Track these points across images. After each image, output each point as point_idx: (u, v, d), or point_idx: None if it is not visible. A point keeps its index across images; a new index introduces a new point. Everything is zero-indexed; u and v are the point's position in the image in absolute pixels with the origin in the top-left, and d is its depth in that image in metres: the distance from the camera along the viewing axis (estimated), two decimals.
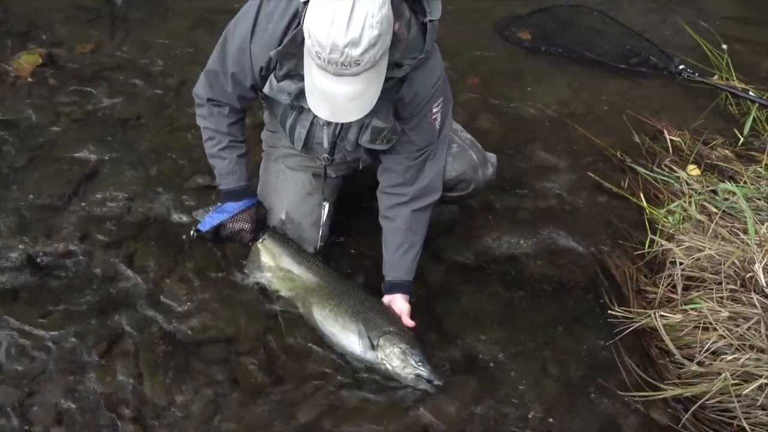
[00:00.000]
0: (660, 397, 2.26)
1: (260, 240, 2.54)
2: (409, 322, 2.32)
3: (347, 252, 2.69)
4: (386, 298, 2.40)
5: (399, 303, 2.37)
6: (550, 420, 2.24)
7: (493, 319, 2.53)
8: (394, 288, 2.39)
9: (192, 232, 2.58)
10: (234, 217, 2.51)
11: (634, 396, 2.29)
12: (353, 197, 2.73)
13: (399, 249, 2.39)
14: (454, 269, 2.70)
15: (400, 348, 2.23)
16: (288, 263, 2.50)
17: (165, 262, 2.61)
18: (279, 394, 2.26)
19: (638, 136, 3.28)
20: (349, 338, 2.30)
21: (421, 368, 2.22)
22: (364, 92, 1.95)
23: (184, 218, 2.77)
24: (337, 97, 1.94)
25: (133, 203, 2.82)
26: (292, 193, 2.57)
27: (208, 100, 2.35)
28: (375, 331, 2.27)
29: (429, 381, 2.22)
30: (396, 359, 2.23)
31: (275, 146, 2.61)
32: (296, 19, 2.07)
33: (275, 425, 2.19)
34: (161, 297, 2.51)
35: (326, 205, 2.56)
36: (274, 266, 2.51)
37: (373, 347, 2.25)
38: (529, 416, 2.25)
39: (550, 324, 2.52)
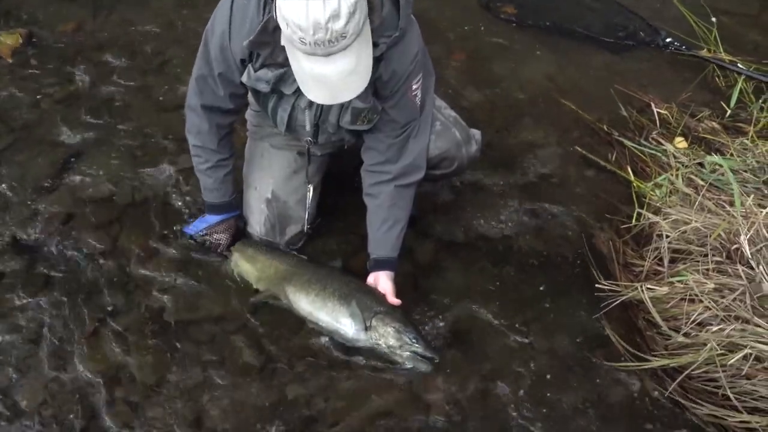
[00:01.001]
0: (647, 367, 2.28)
1: (234, 247, 2.56)
2: (395, 301, 2.32)
3: (335, 231, 2.69)
4: (371, 277, 2.39)
5: (383, 282, 2.36)
6: (539, 393, 2.26)
7: (481, 294, 2.53)
8: (379, 265, 2.38)
9: (176, 229, 2.62)
10: (212, 227, 2.54)
11: (622, 367, 2.31)
12: (340, 176, 2.72)
13: (383, 225, 2.38)
14: (442, 246, 2.70)
15: (394, 327, 2.23)
16: (263, 259, 2.50)
17: (151, 243, 2.61)
18: (269, 373, 2.26)
19: (625, 110, 3.27)
20: (341, 321, 2.29)
21: (417, 345, 2.22)
22: (357, 64, 1.94)
23: (171, 199, 2.76)
24: (331, 78, 1.93)
25: (118, 185, 2.81)
26: (278, 171, 2.56)
27: (202, 107, 2.32)
28: (366, 312, 2.26)
29: (424, 357, 2.22)
30: (391, 338, 2.23)
31: (260, 125, 2.60)
32: (266, 7, 2.05)
33: (265, 404, 2.19)
34: (149, 278, 2.51)
35: (311, 188, 2.56)
36: (251, 269, 2.51)
37: (366, 328, 2.24)
38: (518, 389, 2.27)
39: (538, 298, 2.53)
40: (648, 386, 2.28)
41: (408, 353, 2.23)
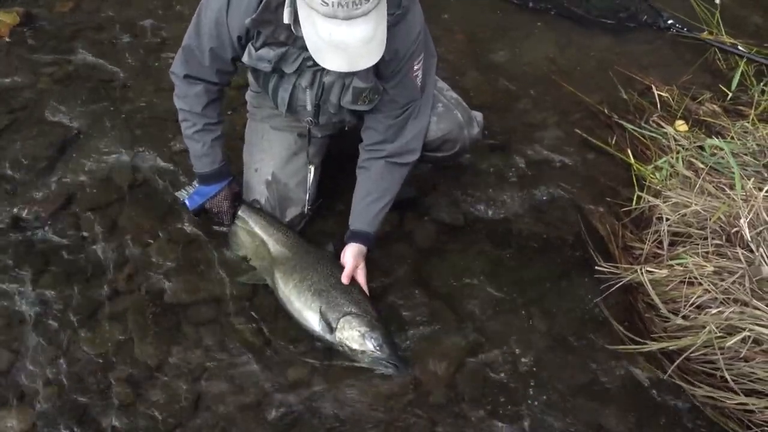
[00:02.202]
0: (646, 350, 2.28)
1: (237, 218, 2.53)
2: (343, 279, 2.26)
3: (335, 212, 2.66)
4: (344, 251, 2.35)
5: (347, 255, 2.31)
6: (539, 375, 2.26)
7: (481, 277, 2.52)
8: (353, 237, 2.35)
9: (180, 201, 2.58)
10: (211, 200, 2.50)
11: (621, 349, 2.30)
12: (341, 157, 2.68)
13: (366, 197, 2.35)
14: (441, 228, 2.68)
15: (359, 331, 2.18)
16: (261, 237, 2.47)
17: (152, 225, 2.58)
18: (268, 354, 2.25)
19: (626, 92, 3.25)
20: (310, 318, 2.25)
21: (379, 352, 2.17)
22: (375, 34, 1.92)
23: (170, 180, 2.73)
24: (349, 44, 1.90)
25: (118, 165, 2.77)
26: (278, 153, 2.54)
27: (185, 77, 2.30)
28: (335, 312, 2.22)
29: (387, 364, 2.18)
30: (354, 342, 2.18)
31: (260, 107, 2.57)
32: None
33: (265, 385, 2.18)
34: (149, 259, 2.48)
35: (311, 169, 2.53)
36: (250, 243, 2.49)
37: (331, 329, 2.21)
38: (518, 371, 2.26)
39: (538, 281, 2.52)
40: (647, 369, 2.28)
41: (369, 359, 2.18)
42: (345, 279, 2.28)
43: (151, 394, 2.15)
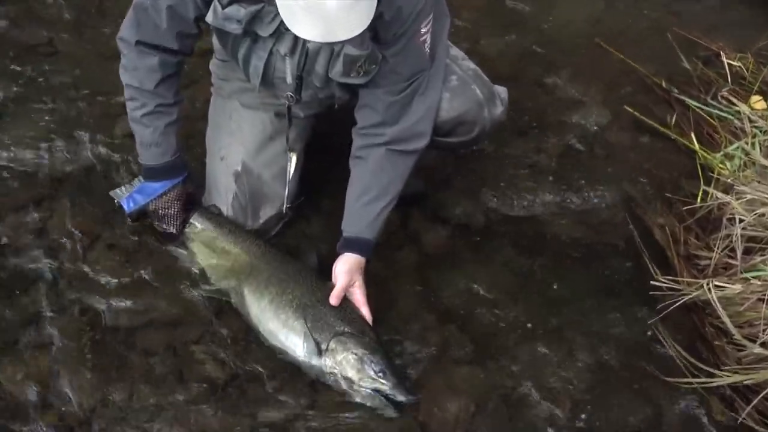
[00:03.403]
0: (715, 385, 2.27)
1: (188, 225, 2.53)
2: (332, 300, 2.25)
3: (321, 212, 2.67)
4: (336, 263, 2.34)
5: (339, 268, 2.31)
6: (581, 416, 2.25)
7: (506, 294, 2.52)
8: (348, 245, 2.34)
9: (116, 203, 2.57)
10: (156, 200, 2.50)
11: (683, 384, 2.29)
12: (329, 143, 2.67)
13: (363, 196, 2.35)
14: (456, 232, 2.68)
15: (356, 354, 2.17)
16: (221, 246, 2.48)
17: (90, 227, 2.57)
18: (237, 391, 2.24)
19: (688, 61, 3.26)
20: (290, 339, 2.25)
21: (382, 380, 2.15)
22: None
23: (113, 173, 2.73)
24: (329, 8, 1.90)
25: (48, 153, 2.77)
26: (250, 137, 2.54)
27: (137, 43, 2.30)
28: (324, 331, 2.22)
29: (391, 397, 2.16)
30: (350, 368, 2.17)
31: (227, 79, 2.57)
32: None
33: (232, 430, 2.16)
34: (86, 271, 2.47)
35: (292, 157, 2.54)
36: (207, 254, 2.49)
37: (320, 352, 2.20)
38: (554, 413, 2.25)
39: (578, 298, 2.53)
40: (715, 408, 2.27)
41: (369, 390, 2.17)
42: (334, 300, 2.27)
43: None
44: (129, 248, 2.54)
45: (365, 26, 1.97)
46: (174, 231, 2.54)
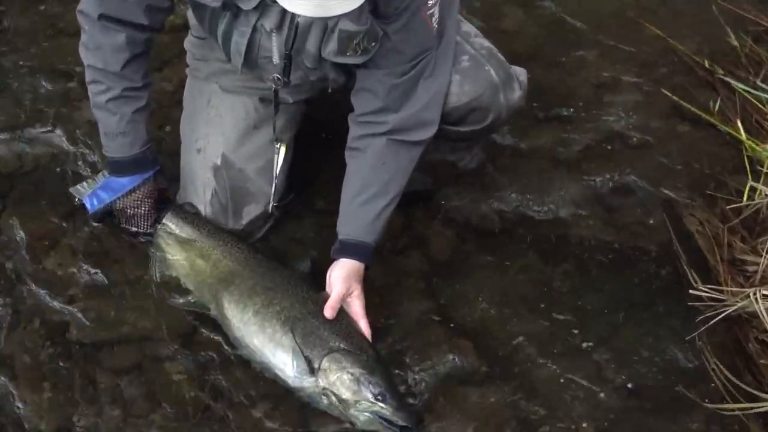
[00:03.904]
0: (762, 410, 2.28)
1: (160, 224, 2.57)
2: (327, 313, 2.28)
3: (312, 212, 2.71)
4: (331, 270, 2.37)
5: (334, 275, 2.34)
6: None
7: (524, 306, 2.54)
8: (344, 250, 2.37)
9: (77, 201, 2.61)
10: (123, 198, 2.53)
11: (726, 409, 2.30)
12: (322, 132, 2.76)
13: (361, 193, 2.38)
14: (466, 234, 2.71)
15: (352, 374, 2.20)
16: (198, 249, 2.52)
17: (48, 229, 2.61)
18: (218, 416, 2.27)
19: (735, 37, 3.27)
20: (278, 356, 2.28)
21: (381, 404, 2.18)
22: None
23: (75, 167, 2.77)
24: None
25: None
26: (231, 126, 2.56)
27: (100, 17, 2.32)
28: (317, 347, 2.24)
29: (392, 422, 2.18)
30: (345, 389, 2.19)
31: (206, 59, 2.59)
32: None
33: None
34: (45, 279, 2.51)
35: (280, 147, 2.56)
36: (182, 259, 2.52)
37: (311, 370, 2.22)
38: None
39: (607, 310, 2.54)
40: None
41: (367, 414, 2.19)
42: (329, 311, 2.30)
43: None
44: (93, 253, 2.57)
45: (359, 3, 1.98)
46: (143, 230, 2.57)
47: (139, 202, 2.54)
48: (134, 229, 2.58)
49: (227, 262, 2.47)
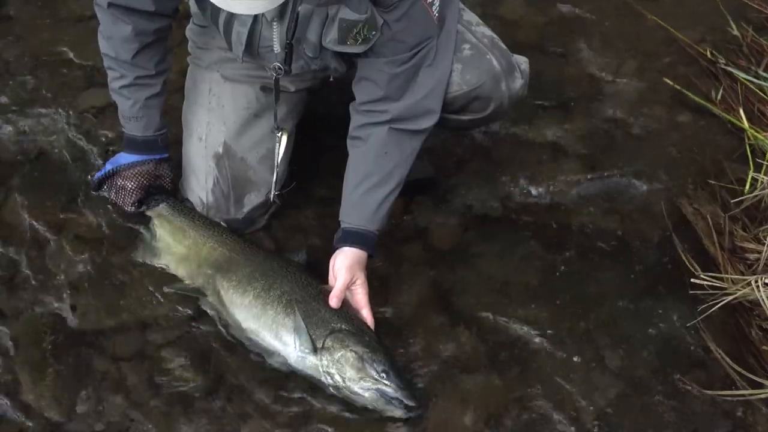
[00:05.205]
0: (763, 396, 2.29)
1: (152, 206, 2.60)
2: (331, 301, 2.29)
3: (313, 201, 2.71)
4: (333, 259, 2.37)
5: (338, 263, 2.34)
6: (610, 429, 2.27)
7: (526, 293, 2.55)
8: (347, 238, 2.37)
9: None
10: (120, 171, 2.57)
11: (727, 396, 2.31)
12: (324, 121, 2.73)
13: (364, 182, 2.38)
14: (469, 222, 2.72)
15: (356, 352, 2.21)
16: (196, 234, 2.53)
17: (51, 217, 2.62)
18: (219, 402, 2.27)
19: (737, 27, 3.27)
20: (281, 336, 2.29)
21: (386, 381, 2.19)
22: None
23: (80, 151, 2.78)
24: None
25: (1, 131, 2.82)
26: (232, 115, 2.57)
27: (109, 5, 2.34)
28: (319, 327, 2.26)
29: (395, 401, 2.19)
30: (349, 367, 2.21)
31: (207, 47, 2.60)
32: None
33: None
34: (46, 266, 2.51)
35: (282, 136, 2.56)
36: (174, 242, 2.54)
37: (315, 350, 2.24)
38: (581, 426, 2.28)
39: (608, 298, 2.55)
40: (763, 424, 2.29)
41: (373, 391, 2.20)
42: (334, 301, 2.31)
43: None
44: (95, 241, 2.58)
45: (271, 6, 2.01)
46: (126, 208, 2.60)
47: (131, 177, 2.57)
48: (119, 202, 2.61)
49: (223, 250, 2.49)
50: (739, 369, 2.35)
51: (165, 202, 2.61)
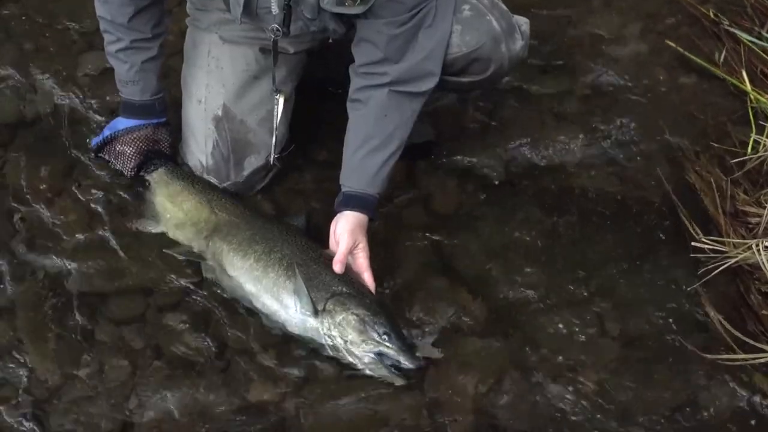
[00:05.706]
0: (763, 361, 2.29)
1: (151, 171, 2.60)
2: (335, 266, 2.28)
3: (314, 164, 2.70)
4: (334, 223, 2.37)
5: (340, 227, 2.34)
6: (608, 396, 2.28)
7: (527, 257, 2.55)
8: (348, 202, 2.37)
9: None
10: (118, 136, 2.58)
11: (727, 360, 2.31)
12: (323, 83, 2.72)
13: (364, 145, 2.38)
14: (470, 186, 2.71)
15: (357, 315, 2.22)
16: (195, 198, 2.54)
17: (51, 180, 2.62)
18: (221, 365, 2.28)
19: None
20: (282, 299, 2.30)
21: (387, 343, 2.20)
22: None
23: (79, 115, 2.77)
24: None
25: (1, 95, 2.81)
26: (231, 77, 2.56)
27: None
28: (321, 290, 2.26)
29: (396, 363, 2.21)
30: (351, 329, 2.22)
31: (205, 9, 2.57)
32: None
33: (218, 408, 2.21)
34: (47, 230, 2.51)
35: (280, 99, 2.55)
36: (172, 206, 2.55)
37: (316, 312, 2.24)
38: (579, 391, 2.28)
39: (609, 261, 2.55)
40: (762, 386, 2.30)
41: (373, 355, 2.21)
42: (338, 266, 2.30)
43: (52, 427, 2.16)
44: (95, 204, 2.58)
45: None
46: (126, 173, 2.61)
47: (129, 142, 2.59)
48: (118, 166, 2.61)
49: (223, 214, 2.49)
50: (738, 334, 2.35)
51: (164, 167, 2.61)
